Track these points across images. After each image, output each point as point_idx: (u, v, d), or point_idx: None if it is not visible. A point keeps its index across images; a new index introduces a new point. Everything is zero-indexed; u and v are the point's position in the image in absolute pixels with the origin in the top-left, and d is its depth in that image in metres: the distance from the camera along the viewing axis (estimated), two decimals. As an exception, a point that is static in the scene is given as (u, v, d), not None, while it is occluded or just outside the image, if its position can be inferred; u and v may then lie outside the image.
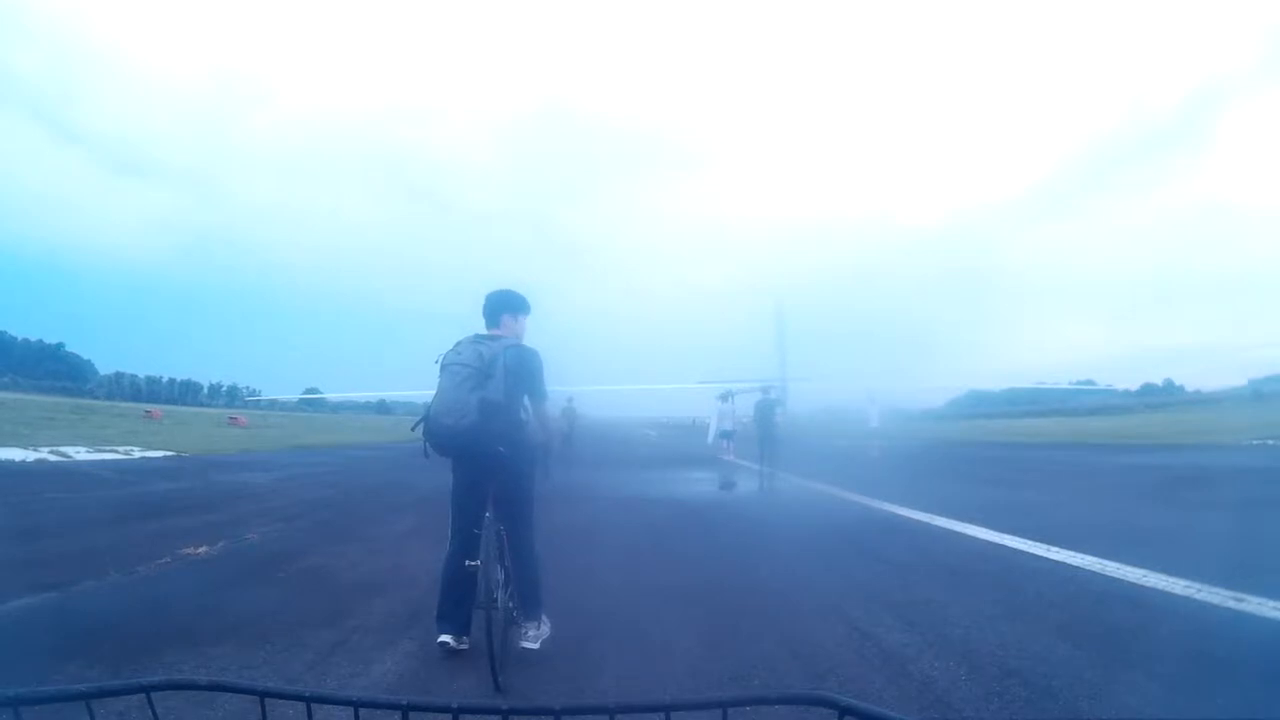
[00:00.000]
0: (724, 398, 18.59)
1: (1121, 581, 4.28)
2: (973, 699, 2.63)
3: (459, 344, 3.11)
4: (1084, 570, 4.61)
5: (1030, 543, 5.52)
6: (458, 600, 3.04)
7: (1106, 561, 4.72)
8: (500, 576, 3.05)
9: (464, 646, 3.04)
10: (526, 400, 3.17)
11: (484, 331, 3.26)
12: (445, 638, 3.02)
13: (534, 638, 3.11)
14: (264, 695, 0.74)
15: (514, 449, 3.04)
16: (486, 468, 3.03)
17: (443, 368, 3.06)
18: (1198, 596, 3.84)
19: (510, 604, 3.08)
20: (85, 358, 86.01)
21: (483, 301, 3.33)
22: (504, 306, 3.33)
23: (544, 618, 3.21)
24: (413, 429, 3.07)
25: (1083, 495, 9.35)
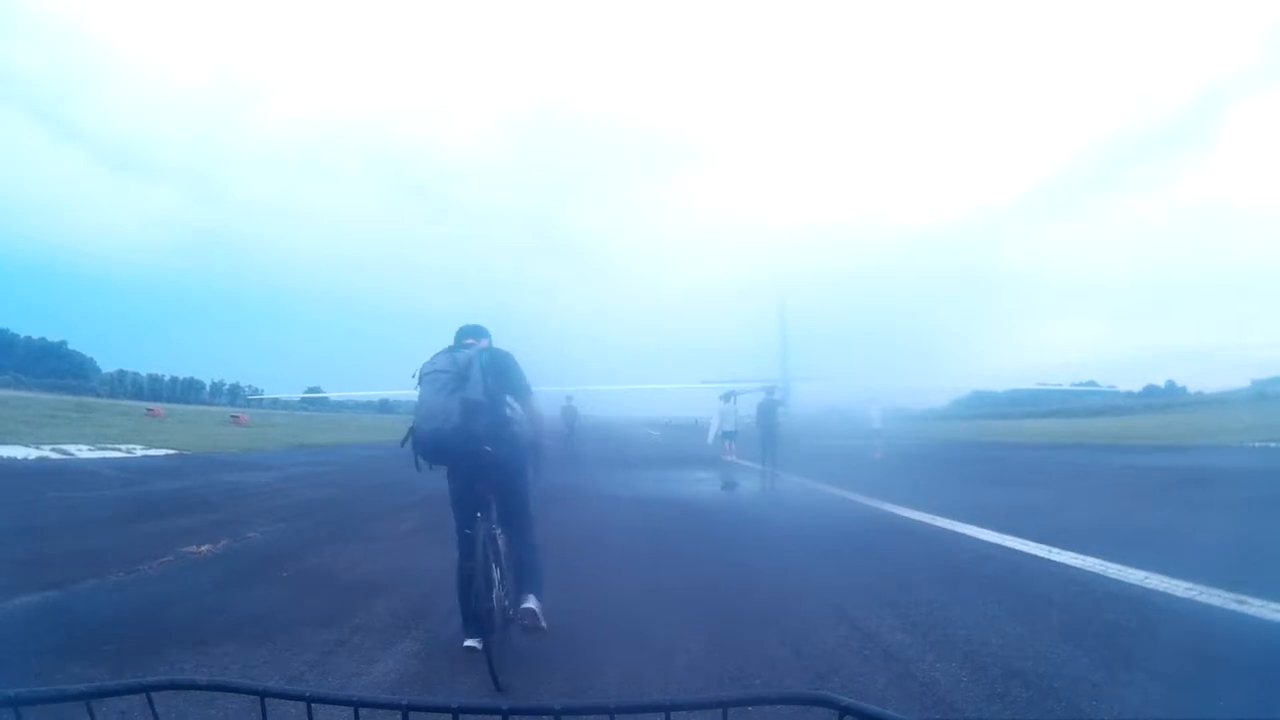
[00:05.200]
0: (726, 398, 18.54)
1: (1123, 583, 4.27)
2: (975, 699, 2.62)
3: (434, 356, 3.15)
4: (1086, 572, 4.60)
5: (1032, 544, 5.51)
6: (476, 602, 3.07)
7: (1109, 563, 4.71)
8: (496, 575, 3.07)
9: None
10: (512, 399, 3.24)
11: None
12: (471, 642, 3.06)
13: (536, 606, 3.16)
14: (264, 695, 0.74)
15: (500, 446, 3.07)
16: (477, 467, 3.06)
17: (421, 378, 3.10)
18: (1200, 599, 3.83)
19: (507, 602, 3.12)
20: (87, 356, 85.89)
21: (456, 331, 3.40)
22: (474, 334, 3.41)
23: (542, 597, 3.25)
24: (402, 444, 3.08)
25: (1084, 496, 9.33)
